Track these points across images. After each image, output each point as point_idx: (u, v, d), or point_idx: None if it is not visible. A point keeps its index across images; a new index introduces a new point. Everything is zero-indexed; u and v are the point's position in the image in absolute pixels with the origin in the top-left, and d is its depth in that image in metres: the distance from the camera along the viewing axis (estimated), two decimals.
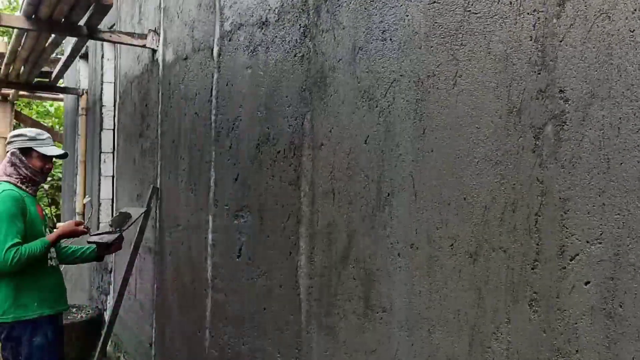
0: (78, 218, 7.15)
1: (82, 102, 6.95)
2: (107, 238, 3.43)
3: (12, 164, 3.16)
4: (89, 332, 5.47)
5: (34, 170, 3.19)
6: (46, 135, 3.26)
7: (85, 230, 3.32)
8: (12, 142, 3.22)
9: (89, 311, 5.79)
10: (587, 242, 1.25)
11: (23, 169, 3.16)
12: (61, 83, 9.68)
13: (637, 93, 1.15)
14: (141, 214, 3.87)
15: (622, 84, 1.18)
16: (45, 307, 3.12)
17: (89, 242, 3.48)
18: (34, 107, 13.59)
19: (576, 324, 1.27)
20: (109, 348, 5.60)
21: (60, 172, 10.32)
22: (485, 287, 1.50)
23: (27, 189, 3.19)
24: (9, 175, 3.14)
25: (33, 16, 3.78)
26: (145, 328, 4.41)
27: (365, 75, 1.96)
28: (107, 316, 5.03)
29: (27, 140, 3.19)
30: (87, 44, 6.62)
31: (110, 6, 3.49)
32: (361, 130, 1.97)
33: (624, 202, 1.17)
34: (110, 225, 3.62)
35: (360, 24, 1.99)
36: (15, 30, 4.34)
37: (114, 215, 3.78)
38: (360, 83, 1.98)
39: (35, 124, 9.43)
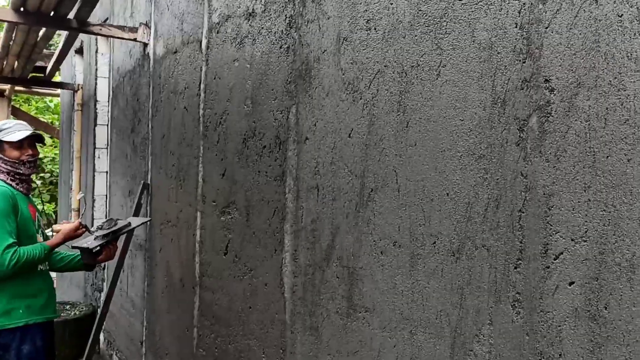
0: (74, 214, 7.10)
1: (78, 98, 6.88)
2: (89, 243, 3.09)
3: None
4: (82, 329, 5.42)
5: (13, 162, 3.01)
6: (12, 122, 3.09)
7: (83, 230, 3.17)
8: None
9: (82, 308, 5.74)
10: (572, 240, 1.18)
11: (2, 164, 3.00)
12: (58, 78, 9.64)
13: (625, 82, 1.08)
14: (142, 223, 3.64)
15: (609, 72, 1.11)
16: (32, 314, 2.96)
17: (73, 247, 3.21)
18: (33, 102, 13.55)
19: (560, 326, 1.20)
20: (102, 346, 5.55)
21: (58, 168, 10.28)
22: (468, 286, 1.43)
23: (19, 187, 3.03)
24: None
25: (22, 9, 3.72)
26: (136, 326, 4.35)
27: (350, 67, 1.89)
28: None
29: None
30: (82, 38, 6.57)
31: None
32: (345, 124, 1.91)
33: (610, 198, 1.10)
34: (98, 232, 3.37)
35: (345, 13, 1.92)
36: (5, 24, 4.27)
37: (104, 221, 3.57)
38: (345, 75, 1.91)
39: (33, 120, 9.39)
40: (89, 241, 3.10)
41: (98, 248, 3.08)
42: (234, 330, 2.69)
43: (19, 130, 3.06)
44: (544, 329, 1.23)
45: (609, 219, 1.11)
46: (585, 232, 1.15)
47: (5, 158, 3.01)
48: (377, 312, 1.74)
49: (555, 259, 1.21)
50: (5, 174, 3.01)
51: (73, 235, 3.12)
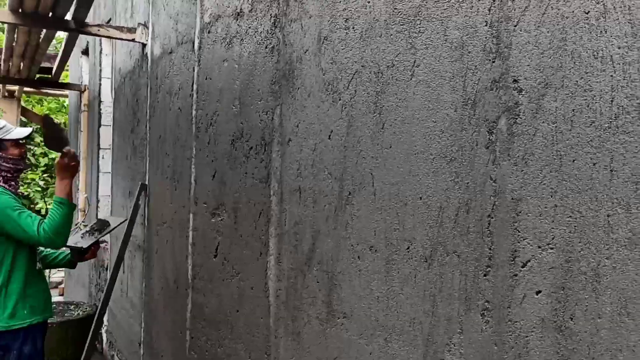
0: (80, 214, 7.13)
1: (84, 98, 6.92)
2: (81, 243, 3.28)
3: None
4: (85, 329, 5.42)
5: (15, 160, 3.02)
6: (3, 122, 3.09)
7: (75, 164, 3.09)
8: None
9: (86, 308, 5.75)
10: (539, 247, 1.13)
11: (3, 162, 2.98)
12: (66, 78, 9.70)
13: (591, 82, 1.03)
14: (120, 223, 3.75)
15: (575, 72, 1.06)
16: (35, 314, 2.98)
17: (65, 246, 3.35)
18: (46, 103, 13.66)
19: (527, 337, 1.15)
20: (105, 346, 5.56)
21: None
22: (440, 294, 1.38)
23: (10, 188, 3.00)
24: None
25: (20, 10, 3.72)
26: (135, 327, 4.34)
27: (330, 67, 1.85)
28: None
29: None
30: (88, 39, 6.59)
31: None
32: (325, 125, 1.87)
33: (576, 204, 1.05)
34: (88, 232, 3.47)
35: (325, 12, 1.88)
36: (6, 25, 4.29)
37: (94, 222, 3.63)
38: (325, 75, 1.87)
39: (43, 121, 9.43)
40: (78, 242, 3.21)
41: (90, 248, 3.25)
42: (222, 334, 2.66)
43: (15, 129, 3.07)
44: (512, 339, 1.18)
45: (575, 226, 1.06)
46: (552, 239, 1.10)
47: (8, 156, 3.01)
48: (355, 318, 1.70)
49: (522, 267, 1.16)
50: (3, 177, 2.98)
51: (65, 165, 3.04)
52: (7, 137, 3.02)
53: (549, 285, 1.11)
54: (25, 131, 3.11)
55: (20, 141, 3.08)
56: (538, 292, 1.13)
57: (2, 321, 2.88)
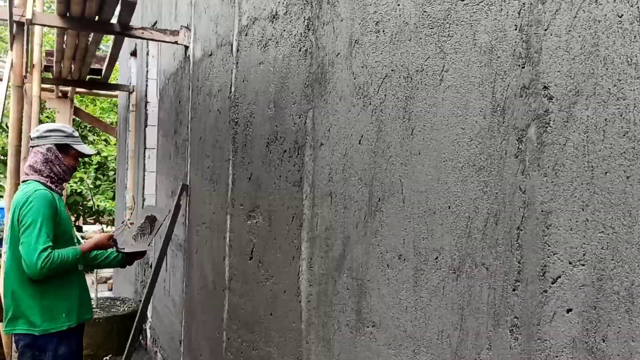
0: (127, 212, 7.31)
1: (133, 99, 7.07)
2: (136, 247, 3.40)
3: (47, 161, 3.02)
4: (130, 325, 5.55)
5: (67, 168, 3.08)
6: (70, 129, 3.17)
7: (112, 244, 3.28)
8: (45, 136, 3.04)
9: (131, 304, 5.89)
10: (570, 263, 1.07)
11: (57, 166, 3.04)
12: (116, 79, 9.96)
13: (625, 90, 0.97)
14: (166, 216, 3.81)
15: (608, 80, 1.00)
16: (72, 317, 3.00)
17: (118, 251, 3.40)
18: (98, 103, 14.07)
19: (557, 357, 1.09)
20: (149, 342, 5.68)
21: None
22: (468, 307, 1.33)
23: (57, 188, 3.07)
24: (38, 173, 3.00)
25: (67, 14, 3.83)
26: (176, 325, 4.42)
27: (361, 71, 1.81)
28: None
29: (65, 137, 3.07)
30: (136, 41, 6.73)
31: (134, 2, 3.47)
32: (356, 130, 1.84)
33: (608, 219, 0.99)
34: (139, 233, 3.54)
35: (356, 14, 1.85)
36: (55, 29, 4.42)
37: (142, 221, 3.68)
38: (356, 79, 1.84)
39: (94, 121, 9.73)
40: (131, 242, 3.35)
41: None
42: (257, 337, 2.67)
43: (83, 143, 3.20)
44: (542, 358, 1.13)
45: (607, 242, 1.00)
46: (583, 255, 1.04)
47: (65, 163, 3.08)
48: (383, 328, 1.67)
49: (552, 283, 1.11)
50: (50, 177, 3.04)
51: (103, 245, 3.21)
52: (76, 147, 3.11)
53: (580, 303, 1.05)
54: (92, 151, 3.25)
55: (81, 157, 3.20)
56: (569, 310, 1.07)
57: (41, 325, 2.89)
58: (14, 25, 3.79)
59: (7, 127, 7.47)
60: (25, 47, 4.04)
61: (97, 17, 3.90)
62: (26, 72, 4.66)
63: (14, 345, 3.19)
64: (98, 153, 3.31)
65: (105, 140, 13.60)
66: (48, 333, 2.91)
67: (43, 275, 2.79)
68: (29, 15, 3.62)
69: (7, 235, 2.96)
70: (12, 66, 3.96)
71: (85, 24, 3.90)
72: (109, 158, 12.97)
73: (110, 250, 3.39)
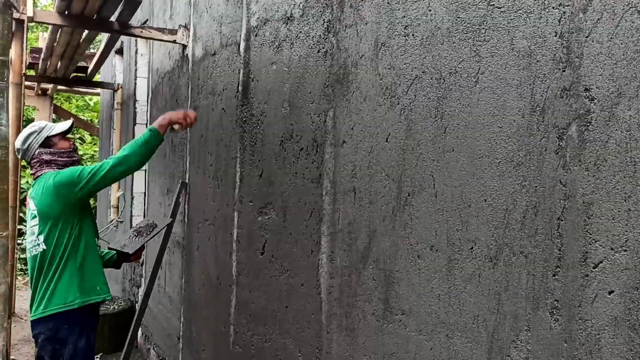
0: (113, 211, 7.28)
1: (118, 97, 7.05)
2: (128, 248, 3.41)
3: (48, 162, 3.08)
4: (120, 323, 5.57)
5: (68, 152, 3.16)
6: (43, 122, 3.23)
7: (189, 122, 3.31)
8: (28, 148, 3.10)
9: (121, 303, 5.89)
10: (612, 249, 1.18)
11: (58, 157, 3.10)
12: (97, 77, 9.87)
13: None
14: (165, 225, 3.86)
15: None
16: (105, 290, 3.07)
17: (109, 249, 3.46)
18: (74, 101, 13.89)
19: (599, 335, 1.20)
20: (140, 340, 5.69)
21: None
22: (505, 292, 1.44)
23: None
24: (49, 167, 3.07)
25: (66, 12, 3.83)
26: (173, 321, 4.45)
27: (387, 72, 1.91)
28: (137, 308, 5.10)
29: (40, 134, 3.11)
30: (122, 39, 6.72)
31: (139, 2, 3.51)
32: (382, 128, 1.93)
33: None
34: (135, 235, 3.58)
35: (382, 19, 1.94)
36: (50, 26, 4.41)
37: (140, 222, 3.73)
38: (382, 80, 1.93)
39: (74, 118, 9.63)
40: (124, 243, 3.37)
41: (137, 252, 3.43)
42: (270, 329, 2.74)
43: (57, 125, 3.23)
44: (583, 337, 1.24)
45: None
46: (626, 241, 1.15)
47: (61, 150, 3.14)
48: (414, 315, 1.76)
49: (594, 268, 1.22)
50: (59, 168, 3.09)
51: (178, 117, 3.27)
52: (52, 132, 3.15)
53: (622, 285, 1.16)
54: (67, 124, 3.25)
55: (66, 134, 3.22)
56: (610, 292, 1.18)
57: (77, 298, 2.95)
58: (14, 22, 3.78)
59: None
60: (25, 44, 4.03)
61: (95, 15, 3.92)
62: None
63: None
64: (73, 122, 3.28)
65: (80, 138, 13.45)
66: (69, 316, 2.94)
67: (137, 154, 3.04)
68: (29, 13, 3.62)
69: (36, 225, 2.98)
70: (11, 63, 3.95)
71: (85, 22, 3.91)
72: (85, 157, 12.84)
73: (105, 250, 3.45)
